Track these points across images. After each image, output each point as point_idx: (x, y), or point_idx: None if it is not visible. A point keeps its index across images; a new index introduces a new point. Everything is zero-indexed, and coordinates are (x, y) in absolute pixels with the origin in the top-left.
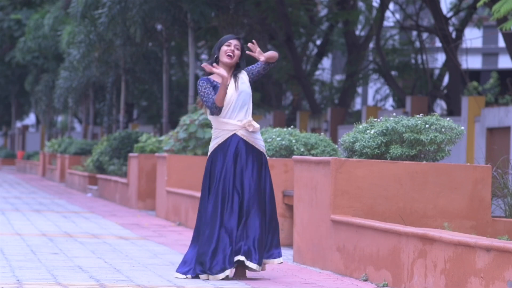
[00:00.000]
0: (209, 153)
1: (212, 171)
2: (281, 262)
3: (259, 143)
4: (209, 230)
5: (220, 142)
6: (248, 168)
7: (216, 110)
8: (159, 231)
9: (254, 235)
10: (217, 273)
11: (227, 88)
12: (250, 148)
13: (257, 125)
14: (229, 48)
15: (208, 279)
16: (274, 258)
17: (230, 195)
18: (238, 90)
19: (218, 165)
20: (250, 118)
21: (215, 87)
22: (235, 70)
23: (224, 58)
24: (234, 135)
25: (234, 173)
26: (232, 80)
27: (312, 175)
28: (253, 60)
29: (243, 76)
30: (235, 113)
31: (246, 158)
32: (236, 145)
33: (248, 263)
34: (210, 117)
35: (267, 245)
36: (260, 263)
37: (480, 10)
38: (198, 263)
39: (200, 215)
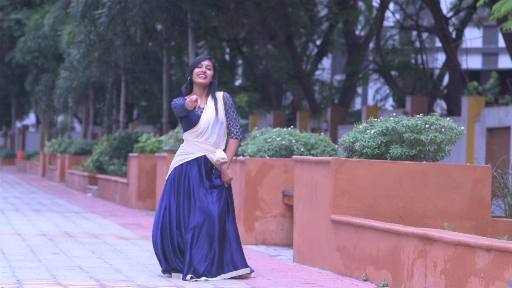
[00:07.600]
0: (174, 166)
1: (178, 185)
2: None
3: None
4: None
5: (190, 159)
6: (203, 187)
7: (180, 108)
8: None
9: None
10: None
11: (193, 109)
12: (214, 169)
13: (224, 161)
14: (201, 69)
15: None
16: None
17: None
18: (218, 116)
19: (184, 182)
20: (220, 154)
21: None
22: (210, 89)
23: (197, 79)
24: (204, 156)
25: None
26: (213, 102)
27: (312, 175)
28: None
29: (220, 106)
30: (209, 136)
31: (208, 176)
32: (204, 166)
33: None
34: (184, 136)
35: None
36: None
37: (480, 10)
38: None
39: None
